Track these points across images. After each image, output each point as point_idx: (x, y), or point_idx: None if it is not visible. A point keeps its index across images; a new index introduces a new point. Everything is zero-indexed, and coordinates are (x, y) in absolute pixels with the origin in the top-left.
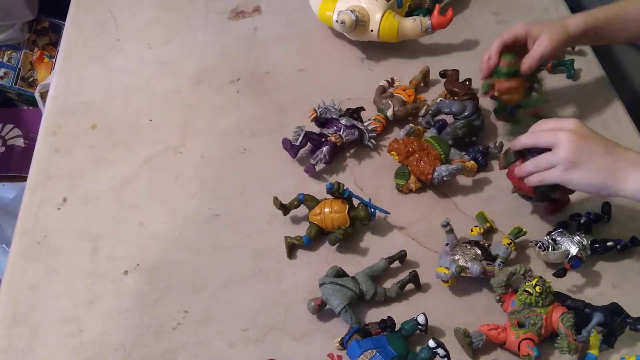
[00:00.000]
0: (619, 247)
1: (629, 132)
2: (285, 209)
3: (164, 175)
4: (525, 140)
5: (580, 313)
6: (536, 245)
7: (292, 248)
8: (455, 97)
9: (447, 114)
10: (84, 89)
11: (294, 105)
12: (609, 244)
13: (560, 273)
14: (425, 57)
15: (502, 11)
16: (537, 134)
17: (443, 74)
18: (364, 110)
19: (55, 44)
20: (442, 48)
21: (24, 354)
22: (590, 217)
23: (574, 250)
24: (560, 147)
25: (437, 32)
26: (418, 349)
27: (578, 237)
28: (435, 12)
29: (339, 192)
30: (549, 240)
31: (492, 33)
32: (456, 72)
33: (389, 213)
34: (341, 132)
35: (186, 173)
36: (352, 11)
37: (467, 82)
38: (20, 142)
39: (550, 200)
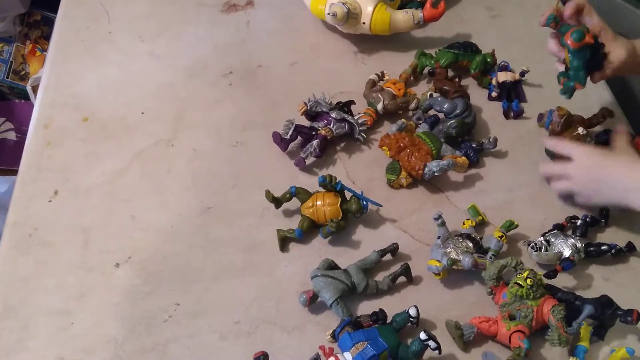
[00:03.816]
0: (613, 251)
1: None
2: (277, 202)
3: (156, 169)
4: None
5: (571, 305)
6: (529, 245)
7: (284, 241)
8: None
9: (438, 112)
10: (75, 81)
11: (286, 98)
12: (603, 248)
13: (550, 274)
14: (417, 51)
15: (496, 5)
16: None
17: (432, 72)
18: (354, 103)
19: (47, 37)
20: (434, 41)
21: (15, 347)
22: (586, 221)
23: (567, 253)
24: (573, 186)
25: (430, 25)
26: (409, 341)
27: (572, 240)
28: (428, 4)
29: (331, 185)
30: (543, 242)
31: (485, 27)
32: (445, 69)
33: (381, 206)
34: (331, 125)
35: (178, 166)
36: (343, 3)
37: (456, 80)
38: (12, 135)
39: None
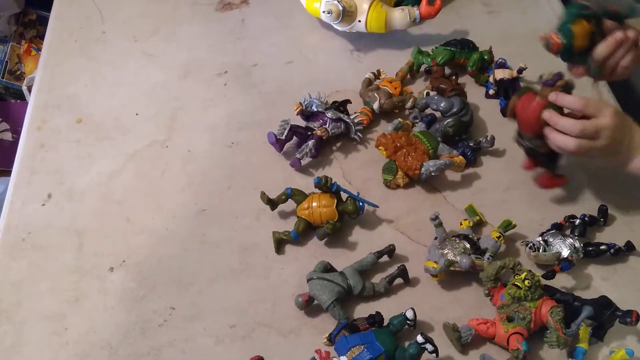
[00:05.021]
0: (612, 251)
1: None
2: (272, 203)
3: (150, 170)
4: (573, 102)
5: (570, 307)
6: (527, 245)
7: (280, 243)
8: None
9: (435, 110)
10: (69, 82)
11: (282, 98)
12: (602, 247)
13: (548, 275)
14: (414, 48)
15: (493, 2)
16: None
17: (428, 70)
18: (350, 103)
19: (42, 36)
20: (431, 39)
21: (9, 353)
22: (585, 220)
23: (565, 253)
24: (602, 134)
25: (426, 22)
26: (406, 344)
27: (571, 240)
28: (424, 1)
29: (326, 186)
30: (541, 242)
31: (482, 24)
32: (442, 68)
33: (378, 207)
34: (327, 125)
35: (173, 168)
36: (339, 1)
37: (453, 77)
38: (8, 136)
39: (536, 156)
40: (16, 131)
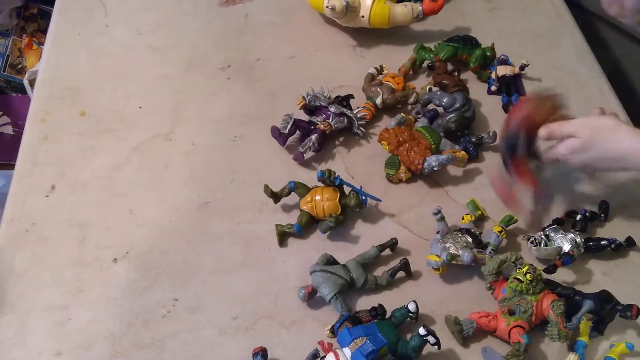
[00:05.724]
0: (612, 246)
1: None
2: (275, 196)
3: (153, 163)
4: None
5: (571, 300)
6: (528, 240)
7: (283, 236)
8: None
9: (438, 106)
10: (72, 75)
11: (284, 92)
12: (602, 242)
13: (550, 269)
14: (416, 44)
15: None
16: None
17: (431, 66)
18: (353, 97)
19: (44, 30)
20: (433, 35)
21: (12, 343)
22: (586, 215)
23: (566, 247)
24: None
25: (429, 18)
26: (409, 336)
27: (572, 235)
28: None
29: (330, 180)
30: (542, 236)
31: (485, 20)
32: (444, 63)
33: (380, 200)
34: (330, 119)
35: (176, 161)
36: None
37: (455, 73)
38: (9, 129)
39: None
40: (17, 125)
